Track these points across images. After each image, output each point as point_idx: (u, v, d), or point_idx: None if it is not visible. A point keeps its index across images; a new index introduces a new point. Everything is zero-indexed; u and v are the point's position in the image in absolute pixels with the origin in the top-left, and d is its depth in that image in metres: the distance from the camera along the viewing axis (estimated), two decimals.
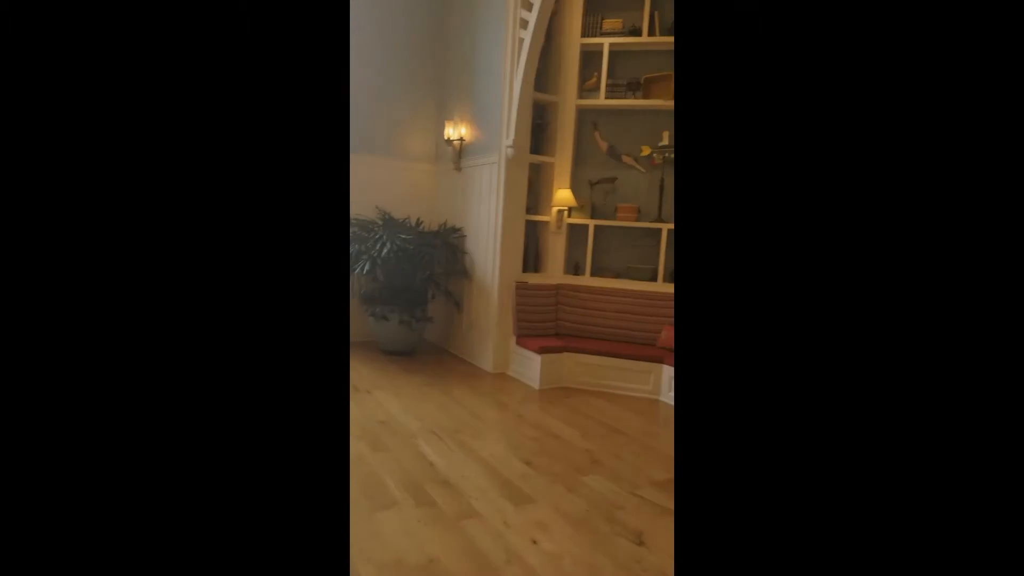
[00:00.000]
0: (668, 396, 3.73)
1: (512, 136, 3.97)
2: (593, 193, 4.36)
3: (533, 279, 4.27)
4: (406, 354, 4.57)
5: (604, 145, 4.33)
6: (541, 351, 3.85)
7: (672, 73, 4.03)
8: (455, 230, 4.57)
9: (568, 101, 4.23)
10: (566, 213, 4.28)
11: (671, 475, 2.61)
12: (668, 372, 3.73)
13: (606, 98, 4.15)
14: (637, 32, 4.09)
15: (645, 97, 4.13)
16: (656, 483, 2.52)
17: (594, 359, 3.88)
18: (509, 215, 4.11)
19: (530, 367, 3.96)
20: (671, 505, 2.31)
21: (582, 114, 4.33)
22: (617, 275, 4.31)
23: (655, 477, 2.58)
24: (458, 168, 4.63)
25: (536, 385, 3.89)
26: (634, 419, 3.37)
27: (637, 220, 4.19)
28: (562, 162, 4.29)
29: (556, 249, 4.35)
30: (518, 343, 4.08)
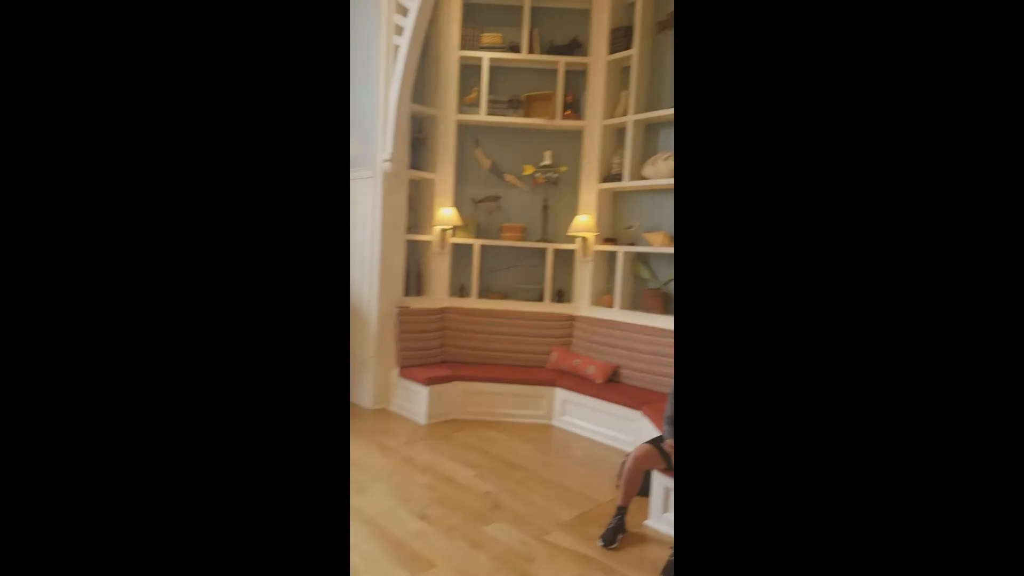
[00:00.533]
0: (561, 420, 3.63)
1: (390, 149, 3.65)
2: (477, 212, 4.17)
3: (416, 303, 3.96)
4: None
5: (487, 162, 4.18)
6: (428, 382, 3.54)
7: (552, 92, 4.01)
8: None
9: (448, 115, 4.02)
10: (450, 232, 4.05)
11: (577, 512, 2.46)
12: (561, 395, 3.63)
13: (487, 114, 4.01)
14: (517, 49, 4.01)
15: (526, 115, 4.05)
16: (564, 524, 2.34)
17: (484, 387, 3.66)
18: (388, 234, 3.77)
19: (416, 400, 3.63)
20: (583, 549, 2.15)
21: (463, 130, 4.14)
22: (504, 296, 4.15)
23: (561, 517, 2.41)
24: None
25: (423, 420, 3.56)
26: (530, 450, 3.20)
27: (523, 240, 4.09)
28: (443, 179, 4.06)
29: (440, 271, 4.08)
30: (402, 374, 3.73)
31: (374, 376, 3.80)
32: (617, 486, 2.73)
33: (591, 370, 3.60)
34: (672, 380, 3.30)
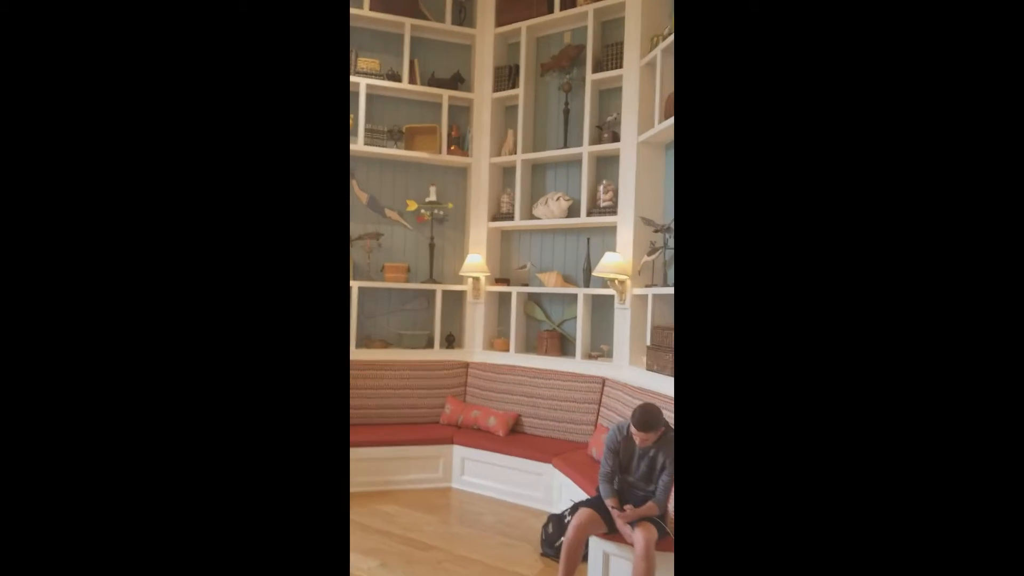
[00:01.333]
0: (462, 481, 3.28)
1: None
2: (354, 250, 3.73)
3: None
4: None
5: (364, 196, 3.78)
6: None
7: (435, 126, 3.79)
8: None
9: None
10: None
11: None
12: (459, 453, 3.29)
13: (365, 144, 3.64)
14: (396, 78, 3.74)
15: (408, 148, 3.77)
16: None
17: (371, 452, 3.18)
18: None
19: None
20: None
21: None
22: (388, 344, 3.72)
23: None
24: None
25: None
26: (435, 522, 2.81)
27: (408, 281, 3.73)
28: None
29: None
30: None
31: None
32: (543, 553, 2.48)
33: (491, 422, 3.33)
34: (586, 428, 3.17)
